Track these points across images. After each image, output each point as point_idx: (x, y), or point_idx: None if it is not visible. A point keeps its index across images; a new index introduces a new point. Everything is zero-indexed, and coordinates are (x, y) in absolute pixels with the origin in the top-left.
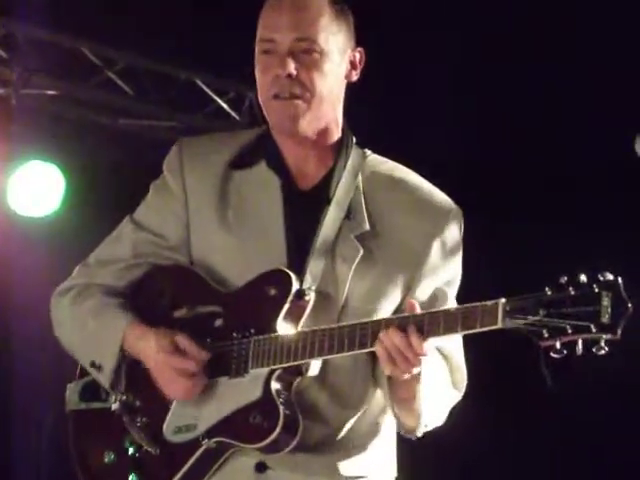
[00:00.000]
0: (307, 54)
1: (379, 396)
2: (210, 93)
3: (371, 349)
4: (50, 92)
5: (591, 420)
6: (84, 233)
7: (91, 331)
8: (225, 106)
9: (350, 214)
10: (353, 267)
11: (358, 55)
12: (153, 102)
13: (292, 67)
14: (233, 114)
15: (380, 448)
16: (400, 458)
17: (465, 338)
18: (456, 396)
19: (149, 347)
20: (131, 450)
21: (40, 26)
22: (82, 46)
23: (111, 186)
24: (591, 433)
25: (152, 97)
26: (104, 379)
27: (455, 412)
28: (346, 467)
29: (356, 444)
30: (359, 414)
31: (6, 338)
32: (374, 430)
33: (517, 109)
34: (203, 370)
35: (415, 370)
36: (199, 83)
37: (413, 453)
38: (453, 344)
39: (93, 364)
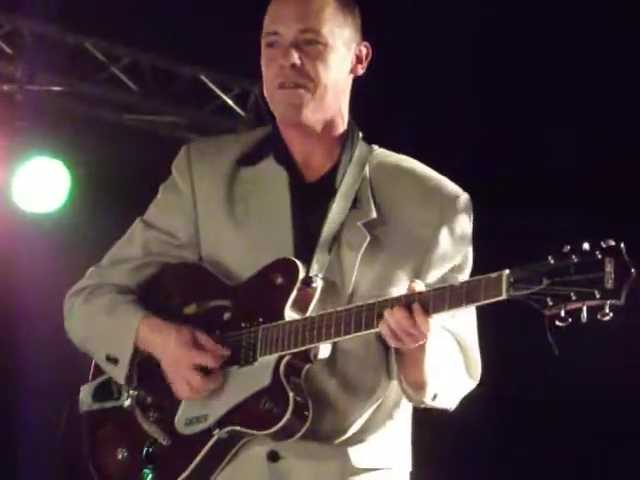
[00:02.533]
0: (311, 45)
1: (393, 388)
2: (215, 89)
3: (377, 329)
4: (55, 88)
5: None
6: (89, 229)
7: (105, 326)
8: (230, 102)
9: (357, 204)
10: (360, 254)
11: (364, 49)
12: (158, 98)
13: (296, 57)
14: (238, 110)
15: (394, 441)
16: (416, 452)
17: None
18: (470, 382)
19: (166, 341)
20: (144, 445)
21: (45, 22)
22: (86, 42)
23: (116, 182)
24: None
25: (157, 93)
26: (119, 372)
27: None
28: (358, 457)
29: (369, 435)
30: (372, 404)
31: (11, 334)
32: (388, 422)
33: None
34: (217, 367)
35: (419, 344)
36: (204, 79)
37: (430, 447)
38: (467, 329)
39: (108, 357)
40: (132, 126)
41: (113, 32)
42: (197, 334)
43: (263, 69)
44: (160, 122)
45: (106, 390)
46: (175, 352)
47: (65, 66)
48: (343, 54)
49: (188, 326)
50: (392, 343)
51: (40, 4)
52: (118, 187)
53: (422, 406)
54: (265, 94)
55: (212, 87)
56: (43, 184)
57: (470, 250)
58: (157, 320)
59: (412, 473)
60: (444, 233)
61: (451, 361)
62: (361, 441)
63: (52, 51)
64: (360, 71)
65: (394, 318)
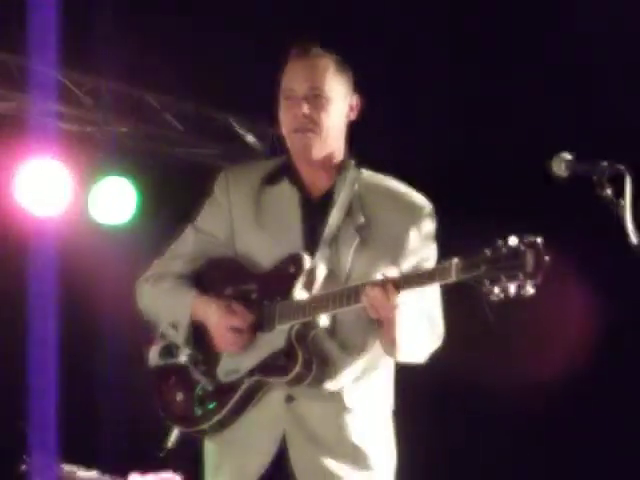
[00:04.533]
0: (317, 99)
1: (378, 346)
2: (242, 130)
3: (362, 304)
4: (124, 129)
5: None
6: (152, 235)
7: (169, 302)
8: (253, 140)
9: (350, 213)
10: (352, 250)
11: (355, 100)
12: (199, 136)
13: (306, 108)
14: (259, 146)
15: (380, 385)
16: (397, 394)
17: None
18: (435, 342)
19: (211, 311)
20: (195, 390)
21: (116, 80)
22: (146, 94)
23: (169, 199)
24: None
25: (198, 132)
26: (180, 334)
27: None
28: (351, 398)
29: (360, 381)
30: (362, 359)
31: (92, 322)
32: (374, 372)
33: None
34: (248, 329)
35: (391, 314)
36: (233, 122)
37: (409, 391)
38: (432, 303)
39: (173, 324)
40: (181, 157)
41: (165, 86)
42: (232, 303)
43: (281, 116)
44: (200, 154)
45: (168, 350)
46: (216, 317)
47: (131, 112)
48: (340, 105)
49: (225, 300)
50: (372, 314)
51: (113, 66)
52: (171, 202)
53: (397, 359)
54: (283, 134)
55: (239, 128)
56: (115, 201)
57: (434, 246)
58: (205, 297)
59: (394, 411)
60: (413, 233)
61: (419, 327)
62: (354, 387)
63: (122, 101)
64: (352, 116)
65: (372, 294)
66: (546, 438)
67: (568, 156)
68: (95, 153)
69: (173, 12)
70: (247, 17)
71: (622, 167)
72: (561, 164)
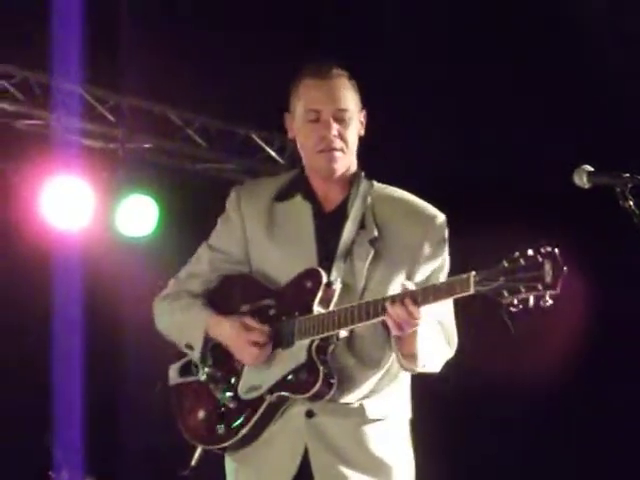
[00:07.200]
0: (343, 119)
1: (392, 355)
2: (261, 143)
3: (381, 318)
4: (146, 145)
5: None
6: (172, 249)
7: (183, 322)
8: (273, 153)
9: (363, 226)
10: (367, 263)
11: (363, 115)
12: (220, 151)
13: (336, 129)
14: (278, 159)
15: (397, 395)
16: (415, 403)
17: None
18: (449, 351)
19: (225, 329)
20: (216, 408)
21: (137, 97)
22: (168, 111)
23: (192, 213)
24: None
25: (219, 147)
26: (195, 356)
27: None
28: (370, 411)
29: (378, 394)
30: (380, 372)
31: (116, 333)
32: (392, 384)
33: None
34: (266, 342)
35: (413, 329)
36: (253, 136)
37: (425, 400)
38: (446, 312)
39: (187, 345)
40: (202, 172)
41: (186, 102)
42: (245, 319)
43: (305, 135)
44: (222, 169)
45: (188, 368)
46: (233, 334)
47: (153, 129)
48: (356, 122)
49: (241, 316)
50: (394, 330)
51: (134, 86)
52: (193, 217)
53: (414, 372)
54: (304, 154)
55: (259, 142)
56: (138, 215)
57: (447, 256)
58: (219, 317)
59: (411, 420)
60: (427, 244)
61: (435, 337)
62: (372, 399)
63: (143, 118)
64: (362, 131)
65: (395, 312)
66: (574, 444)
67: (589, 168)
68: (118, 169)
69: (192, 28)
70: (265, 31)
71: None
72: (583, 176)
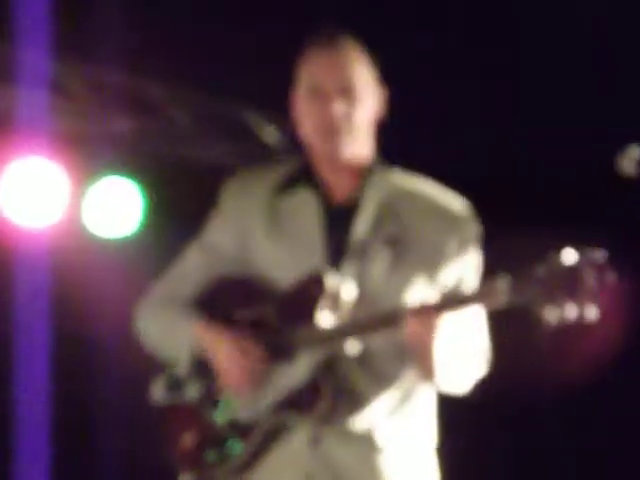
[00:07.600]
0: (348, 96)
1: (410, 372)
2: (257, 127)
3: (395, 330)
4: (125, 125)
5: None
6: (156, 248)
7: (167, 331)
8: (268, 137)
9: (379, 221)
10: (384, 265)
11: (383, 96)
12: (211, 135)
13: (337, 106)
14: (274, 143)
15: (416, 416)
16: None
17: None
18: (481, 368)
19: (216, 345)
20: (205, 431)
21: (117, 70)
22: (148, 87)
23: (177, 206)
24: None
25: (207, 128)
26: (181, 370)
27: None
28: (387, 438)
29: (395, 417)
30: (396, 391)
31: (91, 350)
32: (411, 405)
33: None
34: (262, 367)
35: (432, 343)
36: (247, 118)
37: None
38: (475, 325)
39: (171, 357)
40: (188, 158)
41: (169, 77)
42: (242, 341)
43: (303, 114)
44: (210, 154)
45: (174, 383)
46: (224, 356)
47: (132, 107)
48: (371, 101)
49: (236, 331)
50: (412, 345)
51: (112, 56)
52: (180, 210)
53: (439, 390)
54: (305, 133)
55: (255, 125)
56: (117, 210)
57: (476, 257)
58: (209, 329)
59: (438, 449)
60: (453, 244)
61: (461, 351)
62: (387, 422)
63: (122, 96)
64: (381, 113)
65: (413, 327)
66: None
67: (639, 151)
68: (92, 153)
69: None
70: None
71: None
72: (631, 161)
